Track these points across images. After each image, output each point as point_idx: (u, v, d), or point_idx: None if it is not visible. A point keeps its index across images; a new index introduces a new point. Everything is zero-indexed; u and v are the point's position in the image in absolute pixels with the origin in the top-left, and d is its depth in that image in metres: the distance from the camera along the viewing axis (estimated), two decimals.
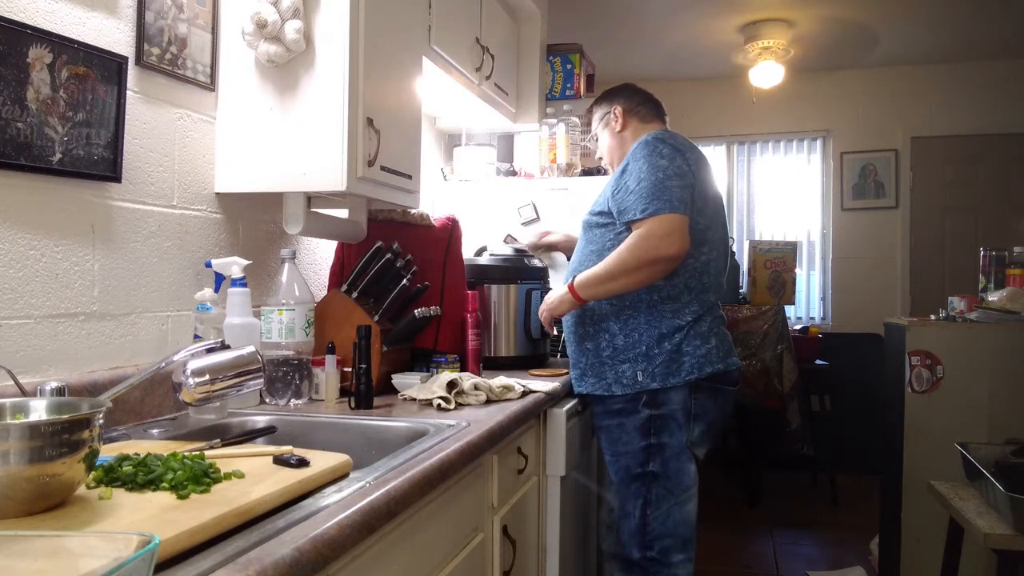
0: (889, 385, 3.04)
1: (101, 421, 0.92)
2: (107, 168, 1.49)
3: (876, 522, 3.50)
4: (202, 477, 1.00)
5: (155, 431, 1.44)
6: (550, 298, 2.14)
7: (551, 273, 2.67)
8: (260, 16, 1.66)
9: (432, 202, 2.98)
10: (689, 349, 1.99)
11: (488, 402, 1.78)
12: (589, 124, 2.40)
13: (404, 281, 2.01)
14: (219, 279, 1.75)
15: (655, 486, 1.98)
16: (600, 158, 2.40)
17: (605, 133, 2.30)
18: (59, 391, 1.24)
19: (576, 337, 2.12)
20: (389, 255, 1.99)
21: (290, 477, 1.05)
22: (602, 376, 2.05)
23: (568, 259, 2.75)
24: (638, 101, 2.28)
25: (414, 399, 1.82)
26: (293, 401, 1.73)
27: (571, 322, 2.15)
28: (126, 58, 1.53)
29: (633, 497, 2.00)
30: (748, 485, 4.63)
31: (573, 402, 2.13)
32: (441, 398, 1.72)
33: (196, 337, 1.65)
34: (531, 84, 3.17)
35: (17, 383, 1.21)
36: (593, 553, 2.53)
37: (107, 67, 1.48)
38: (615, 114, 2.26)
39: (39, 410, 0.99)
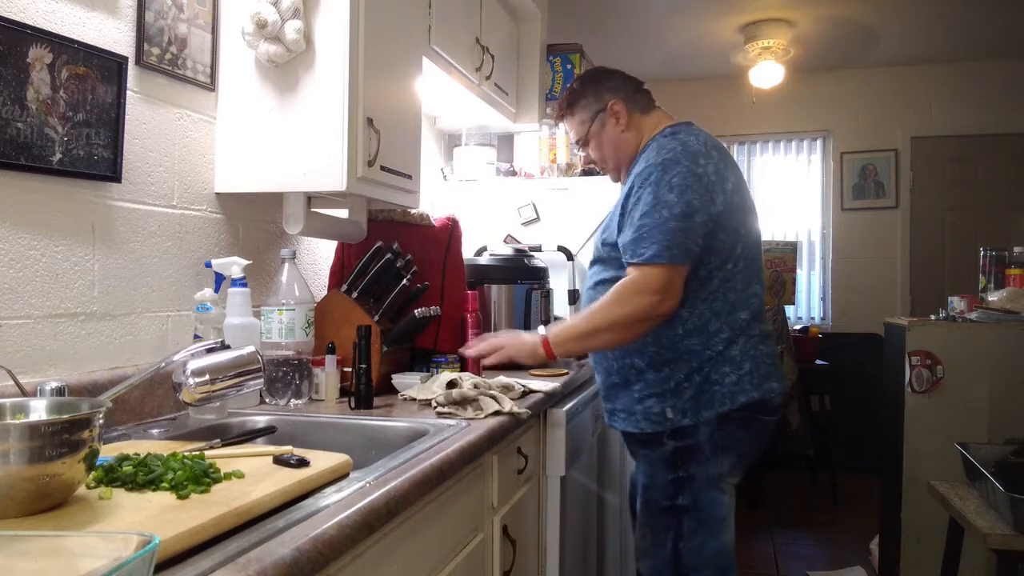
0: (889, 385, 3.04)
1: (101, 421, 0.92)
2: (107, 168, 1.49)
3: (876, 522, 3.50)
4: (202, 477, 1.00)
5: (155, 431, 1.44)
6: (514, 343, 1.90)
7: (551, 273, 2.67)
8: (260, 16, 1.66)
9: (432, 202, 2.98)
10: (717, 378, 1.77)
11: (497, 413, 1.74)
12: (563, 120, 2.04)
13: (404, 281, 2.00)
14: (219, 279, 1.75)
15: (686, 519, 1.80)
16: (593, 164, 2.09)
17: (604, 134, 1.95)
18: (59, 391, 1.24)
19: (603, 370, 1.93)
20: (389, 255, 1.99)
21: (290, 477, 1.05)
22: (631, 412, 1.86)
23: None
24: (632, 89, 1.96)
25: (414, 399, 1.82)
26: (293, 401, 1.73)
27: (598, 355, 1.95)
28: (126, 58, 1.53)
29: (664, 528, 1.83)
30: (749, 485, 4.63)
31: (573, 402, 2.13)
32: (448, 412, 1.68)
33: (196, 337, 1.65)
34: (531, 84, 3.17)
35: (17, 383, 1.21)
36: (593, 553, 2.53)
37: (107, 67, 1.48)
38: (615, 112, 1.92)
39: (39, 410, 0.99)
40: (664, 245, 1.71)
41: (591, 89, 1.98)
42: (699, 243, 1.75)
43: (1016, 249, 2.97)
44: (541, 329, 1.92)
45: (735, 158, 5.63)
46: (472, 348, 1.97)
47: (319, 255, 2.30)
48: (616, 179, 2.04)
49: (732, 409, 1.77)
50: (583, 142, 2.01)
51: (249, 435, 1.41)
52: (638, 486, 1.92)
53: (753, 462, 1.89)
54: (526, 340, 1.90)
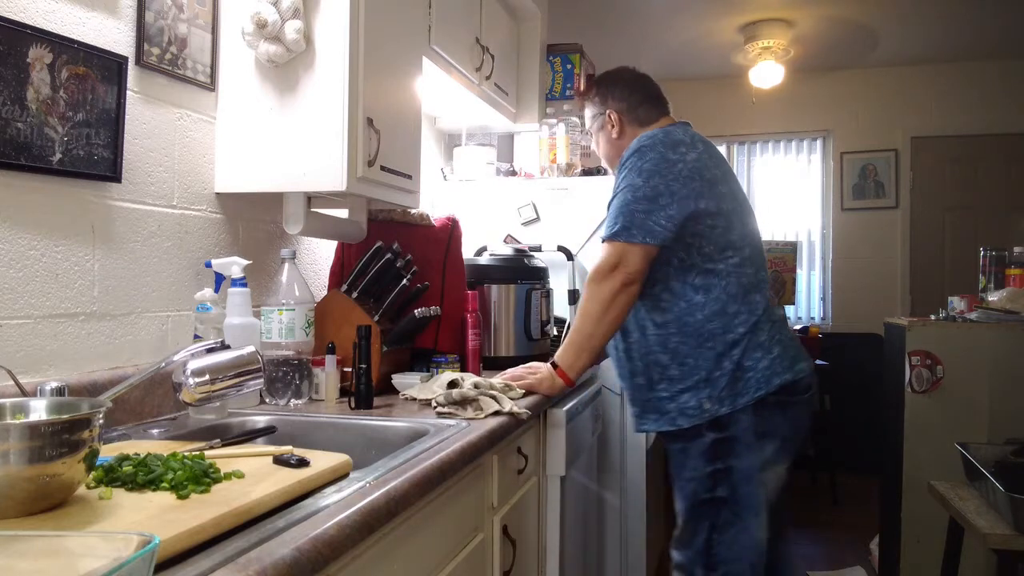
0: (889, 385, 3.04)
1: (101, 421, 0.92)
2: (107, 168, 1.49)
3: (876, 522, 3.50)
4: (202, 477, 1.00)
5: (155, 431, 1.44)
6: (533, 376, 1.93)
7: (551, 273, 2.67)
8: (260, 16, 1.66)
9: (432, 202, 2.98)
10: (750, 364, 1.80)
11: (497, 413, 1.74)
12: (583, 111, 2.22)
13: (404, 281, 2.00)
14: (219, 279, 1.75)
15: (724, 511, 1.82)
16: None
17: (600, 136, 2.12)
18: (59, 391, 1.24)
19: (627, 372, 1.95)
20: (389, 255, 1.99)
21: (290, 477, 1.05)
22: (663, 411, 1.87)
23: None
24: (636, 101, 2.06)
25: (414, 399, 1.82)
26: (293, 401, 1.73)
27: (617, 357, 1.99)
28: (126, 58, 1.53)
29: (701, 519, 1.85)
30: None
31: (573, 402, 2.13)
32: (448, 412, 1.69)
33: (196, 337, 1.65)
34: (531, 84, 3.17)
35: (17, 383, 1.21)
36: (593, 553, 2.53)
37: (107, 67, 1.48)
38: (610, 119, 2.07)
39: (39, 410, 0.99)
40: (623, 225, 1.82)
41: (600, 91, 2.12)
42: (666, 225, 1.81)
43: (1016, 249, 2.97)
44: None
45: (735, 158, 5.68)
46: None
47: (319, 255, 2.30)
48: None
49: (768, 393, 1.79)
50: (588, 132, 2.18)
51: (249, 435, 1.41)
52: (676, 478, 1.92)
53: (798, 446, 1.90)
54: (543, 370, 1.95)
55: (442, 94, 2.64)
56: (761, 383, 1.80)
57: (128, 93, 1.54)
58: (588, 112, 2.15)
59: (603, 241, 1.87)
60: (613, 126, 2.07)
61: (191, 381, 1.32)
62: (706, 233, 1.83)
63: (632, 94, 2.07)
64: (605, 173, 2.93)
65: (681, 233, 1.82)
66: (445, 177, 3.11)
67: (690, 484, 1.87)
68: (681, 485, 1.89)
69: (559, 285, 2.77)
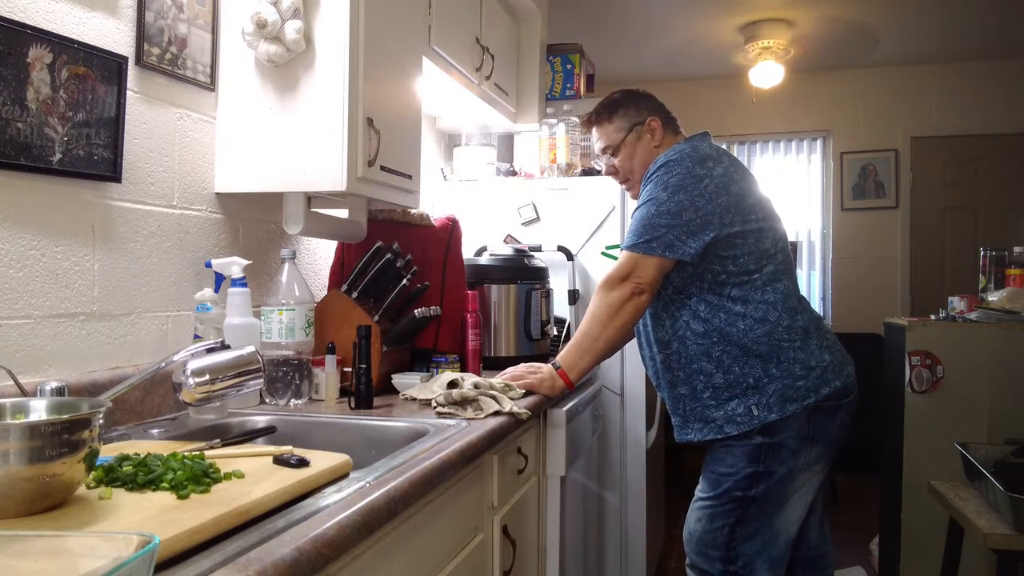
0: (889, 385, 3.04)
1: (101, 421, 0.92)
2: (107, 168, 1.49)
3: (876, 522, 3.50)
4: (202, 477, 1.00)
5: (155, 431, 1.44)
6: (534, 375, 1.94)
7: (551, 273, 2.67)
8: (260, 16, 1.66)
9: (432, 202, 2.98)
10: (801, 371, 1.81)
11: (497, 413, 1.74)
12: (596, 125, 2.08)
13: (404, 281, 2.01)
14: (219, 279, 1.75)
15: (752, 507, 1.82)
16: (617, 170, 2.08)
17: (638, 147, 2.02)
18: (59, 391, 1.24)
19: (667, 383, 1.94)
20: (389, 255, 1.99)
21: (290, 477, 1.05)
22: (708, 419, 1.85)
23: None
24: (666, 113, 2.07)
25: (414, 399, 1.82)
26: (293, 401, 1.73)
27: (654, 369, 1.98)
28: (126, 58, 1.53)
29: (725, 516, 1.85)
30: None
31: (573, 402, 2.13)
32: (448, 412, 1.68)
33: (196, 337, 1.65)
34: (531, 84, 3.17)
35: (17, 383, 1.21)
36: (593, 553, 2.53)
37: (107, 67, 1.48)
38: (651, 128, 2.01)
39: (39, 410, 0.99)
40: (645, 238, 1.84)
41: (632, 102, 2.06)
42: (687, 240, 1.82)
43: (1016, 249, 2.97)
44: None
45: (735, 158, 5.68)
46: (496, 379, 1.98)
47: (319, 255, 2.30)
48: (635, 196, 2.05)
49: (818, 400, 1.81)
50: (614, 150, 2.06)
51: (249, 435, 1.41)
52: (709, 470, 1.89)
53: (838, 449, 1.92)
54: (544, 370, 1.96)
55: (442, 94, 2.64)
56: (811, 390, 1.80)
57: (128, 93, 1.54)
58: (619, 124, 2.04)
59: (623, 250, 1.89)
60: (654, 134, 2.01)
61: (191, 381, 1.32)
62: (740, 245, 1.84)
63: (661, 107, 2.08)
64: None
65: (712, 250, 1.83)
66: (445, 177, 3.11)
67: (725, 480, 1.84)
68: (715, 479, 1.87)
69: (559, 285, 2.77)
